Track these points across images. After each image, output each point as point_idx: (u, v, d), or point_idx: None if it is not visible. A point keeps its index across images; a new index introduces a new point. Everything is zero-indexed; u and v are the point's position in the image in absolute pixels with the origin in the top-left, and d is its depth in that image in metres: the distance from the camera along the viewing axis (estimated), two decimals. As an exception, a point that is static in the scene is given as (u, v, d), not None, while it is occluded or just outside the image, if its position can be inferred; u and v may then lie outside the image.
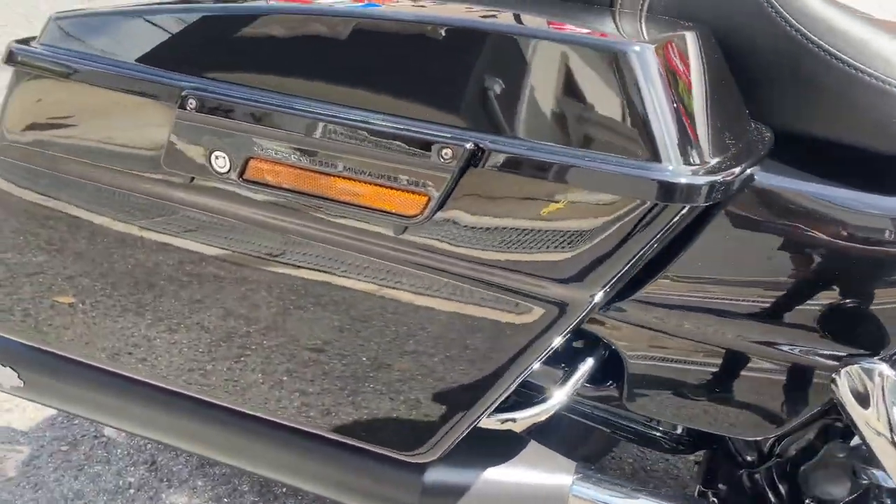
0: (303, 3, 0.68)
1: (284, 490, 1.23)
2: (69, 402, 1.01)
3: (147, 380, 0.87)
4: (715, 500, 0.93)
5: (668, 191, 0.55)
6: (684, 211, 0.57)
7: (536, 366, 0.70)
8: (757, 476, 0.89)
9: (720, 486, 0.93)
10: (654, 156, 0.55)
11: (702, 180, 0.55)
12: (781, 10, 0.68)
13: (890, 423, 0.70)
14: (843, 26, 0.68)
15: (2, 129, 0.76)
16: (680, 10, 0.74)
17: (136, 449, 1.30)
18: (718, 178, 0.56)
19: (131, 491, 1.22)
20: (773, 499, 0.87)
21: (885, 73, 0.68)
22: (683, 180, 0.54)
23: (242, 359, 0.76)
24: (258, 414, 0.82)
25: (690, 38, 0.64)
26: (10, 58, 0.71)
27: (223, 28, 0.67)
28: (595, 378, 0.85)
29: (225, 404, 0.83)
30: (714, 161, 0.58)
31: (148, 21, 0.69)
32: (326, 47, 0.63)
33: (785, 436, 0.87)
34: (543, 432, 0.90)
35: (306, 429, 0.78)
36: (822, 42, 0.67)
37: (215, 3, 0.71)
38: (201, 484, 1.24)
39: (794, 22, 0.68)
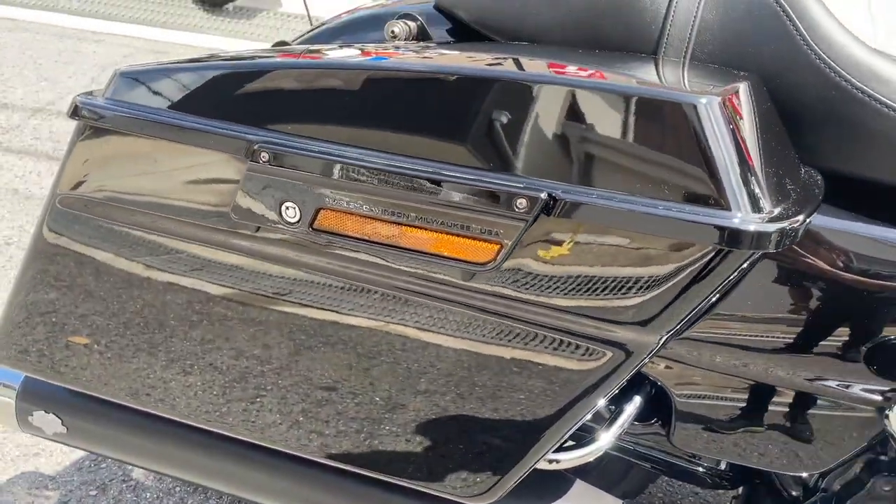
0: (371, 56, 0.70)
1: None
2: (112, 447, 1.01)
3: (196, 424, 0.87)
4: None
5: (739, 238, 0.56)
6: (754, 257, 0.59)
7: (598, 407, 0.72)
8: (802, 511, 0.90)
9: (764, 521, 0.94)
10: (725, 204, 0.57)
11: (772, 227, 0.57)
12: (828, 59, 0.71)
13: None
14: (888, 74, 0.71)
15: (63, 180, 0.77)
16: (723, 57, 0.76)
17: (165, 492, 1.29)
18: (786, 224, 0.58)
19: (164, 535, 1.21)
20: None
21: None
22: (753, 227, 0.56)
23: (307, 402, 0.76)
24: (310, 456, 0.82)
25: (744, 88, 0.67)
26: (76, 112, 0.73)
27: (292, 82, 0.69)
28: (642, 415, 0.87)
29: (280, 447, 0.83)
30: (779, 209, 0.60)
31: (214, 74, 0.71)
32: (398, 102, 0.65)
33: (830, 470, 0.88)
34: (587, 468, 0.90)
35: (366, 472, 0.78)
36: (869, 90, 0.70)
37: (282, 58, 0.73)
38: (234, 527, 1.23)
39: (841, 71, 0.70)
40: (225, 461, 0.93)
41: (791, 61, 0.73)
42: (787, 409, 0.81)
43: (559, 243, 0.61)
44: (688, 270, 0.59)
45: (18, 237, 1.93)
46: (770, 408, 0.81)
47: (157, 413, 0.88)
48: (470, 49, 0.80)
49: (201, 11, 3.60)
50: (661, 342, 0.65)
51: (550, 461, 0.81)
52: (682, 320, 0.63)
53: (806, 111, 0.73)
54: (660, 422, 0.89)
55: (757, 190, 0.58)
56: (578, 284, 0.62)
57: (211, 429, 0.85)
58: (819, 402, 0.80)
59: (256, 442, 0.83)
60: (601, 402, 0.69)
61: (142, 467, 1.14)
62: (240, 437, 0.84)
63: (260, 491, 0.91)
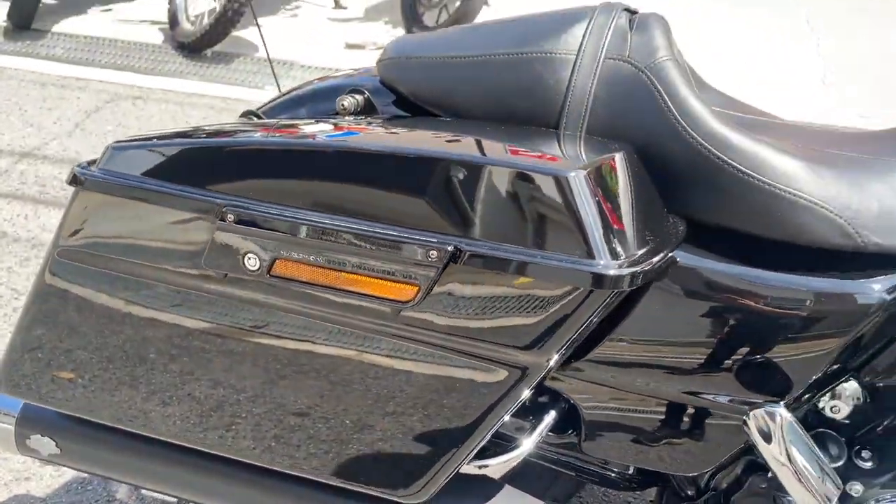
0: (315, 136, 0.86)
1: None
2: (100, 466, 1.15)
3: (174, 441, 1.02)
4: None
5: (600, 280, 0.73)
6: (617, 294, 0.76)
7: (507, 418, 0.87)
8: (697, 508, 1.06)
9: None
10: (589, 253, 0.73)
11: (625, 271, 0.73)
12: (692, 132, 0.88)
13: (789, 457, 0.88)
14: (738, 143, 0.88)
15: (62, 235, 0.92)
16: (612, 130, 0.93)
17: (146, 511, 1.42)
18: (638, 268, 0.74)
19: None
20: None
21: (771, 178, 0.87)
22: (611, 272, 0.73)
23: (263, 418, 0.91)
24: (273, 467, 0.97)
25: (619, 158, 0.84)
26: (75, 180, 0.88)
27: (251, 156, 0.85)
28: (558, 427, 1.02)
29: (241, 459, 0.98)
30: (638, 253, 0.77)
31: (191, 149, 0.87)
32: (337, 173, 0.81)
33: (718, 471, 1.04)
34: (518, 477, 1.06)
35: (315, 478, 0.93)
36: (724, 157, 0.87)
37: (238, 136, 0.89)
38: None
39: (703, 142, 0.87)
40: (201, 474, 1.08)
41: (664, 133, 0.90)
42: (673, 418, 0.97)
43: (465, 284, 0.78)
44: (563, 304, 0.76)
45: (7, 278, 2.06)
46: (659, 417, 0.97)
47: (140, 433, 1.03)
48: (398, 126, 0.97)
49: (181, 57, 3.77)
50: (552, 363, 0.81)
51: (480, 466, 0.96)
52: (564, 345, 0.79)
53: (678, 173, 0.90)
54: (574, 432, 1.04)
55: (615, 242, 0.75)
56: (482, 316, 0.79)
57: (184, 444, 1.00)
58: (699, 412, 0.96)
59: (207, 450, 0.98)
60: (508, 415, 0.85)
61: (127, 483, 1.28)
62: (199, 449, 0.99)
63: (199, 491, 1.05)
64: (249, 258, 0.82)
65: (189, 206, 0.84)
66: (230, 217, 0.81)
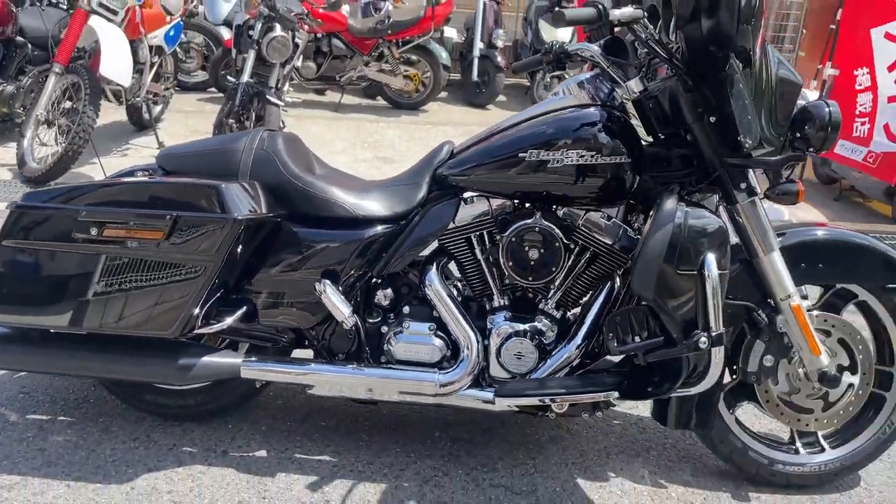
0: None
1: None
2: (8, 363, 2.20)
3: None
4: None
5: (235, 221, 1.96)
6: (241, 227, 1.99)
7: (203, 296, 2.05)
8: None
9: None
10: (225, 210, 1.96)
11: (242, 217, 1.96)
12: (296, 182, 2.15)
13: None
14: (313, 180, 2.17)
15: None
16: (258, 179, 2.19)
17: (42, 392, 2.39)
18: (245, 217, 1.98)
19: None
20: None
21: (326, 195, 2.15)
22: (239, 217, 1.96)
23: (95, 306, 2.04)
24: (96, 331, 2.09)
25: (249, 184, 2.09)
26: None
27: (108, 191, 2.03)
28: (246, 315, 2.20)
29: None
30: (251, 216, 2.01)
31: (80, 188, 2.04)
32: (139, 194, 2.02)
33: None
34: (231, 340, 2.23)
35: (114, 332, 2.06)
36: (313, 192, 2.15)
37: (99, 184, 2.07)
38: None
39: (303, 188, 2.15)
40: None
41: (279, 178, 2.17)
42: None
43: (190, 233, 1.98)
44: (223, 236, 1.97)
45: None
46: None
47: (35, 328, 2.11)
48: (156, 178, 2.19)
49: (28, 188, 4.77)
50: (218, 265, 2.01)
51: (208, 328, 2.11)
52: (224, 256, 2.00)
53: (287, 195, 2.16)
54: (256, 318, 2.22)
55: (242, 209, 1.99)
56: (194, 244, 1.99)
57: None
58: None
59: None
60: (197, 296, 2.03)
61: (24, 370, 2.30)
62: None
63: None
64: (91, 228, 1.97)
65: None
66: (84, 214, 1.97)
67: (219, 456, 2.29)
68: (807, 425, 2.22)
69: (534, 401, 2.09)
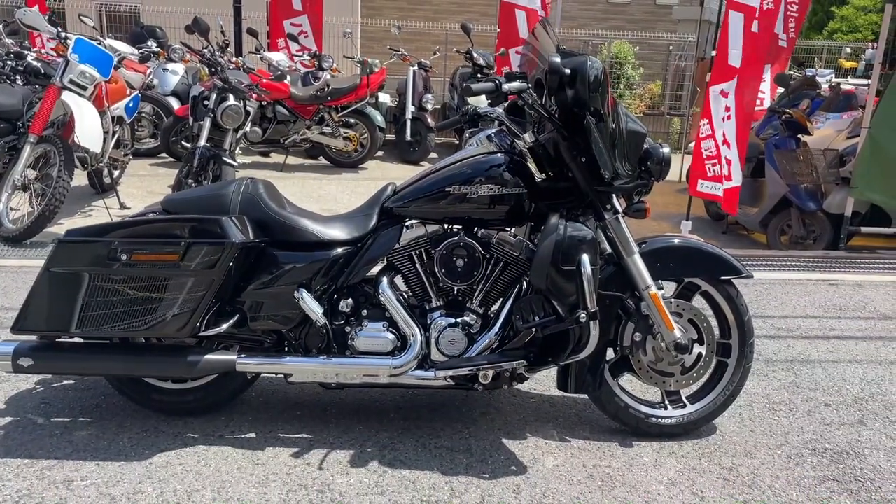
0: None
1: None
2: (57, 368, 2.75)
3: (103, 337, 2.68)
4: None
5: (235, 245, 2.59)
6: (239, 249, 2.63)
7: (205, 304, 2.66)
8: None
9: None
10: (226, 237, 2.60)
11: (238, 242, 2.60)
12: (274, 215, 2.81)
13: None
14: (286, 214, 2.83)
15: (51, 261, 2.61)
16: (246, 213, 2.84)
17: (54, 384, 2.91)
18: (241, 241, 2.62)
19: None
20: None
21: (297, 224, 2.81)
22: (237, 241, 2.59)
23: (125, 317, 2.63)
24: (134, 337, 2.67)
25: (247, 218, 2.74)
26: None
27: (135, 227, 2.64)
28: (241, 323, 2.82)
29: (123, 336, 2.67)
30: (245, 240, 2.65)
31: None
32: (156, 230, 2.64)
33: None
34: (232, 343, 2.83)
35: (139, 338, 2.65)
36: (282, 220, 2.81)
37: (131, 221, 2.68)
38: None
39: (281, 220, 2.80)
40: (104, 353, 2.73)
41: (260, 213, 2.82)
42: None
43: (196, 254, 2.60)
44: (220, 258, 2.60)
45: None
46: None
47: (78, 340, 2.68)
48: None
49: (5, 248, 5.24)
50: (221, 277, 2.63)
51: (210, 330, 2.72)
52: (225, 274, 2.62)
53: (270, 225, 2.81)
54: (244, 327, 2.84)
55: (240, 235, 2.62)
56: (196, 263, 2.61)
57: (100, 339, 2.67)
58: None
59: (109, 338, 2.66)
60: (203, 305, 2.64)
61: (71, 373, 2.85)
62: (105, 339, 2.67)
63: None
64: (122, 255, 2.57)
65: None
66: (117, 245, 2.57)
67: (217, 438, 2.87)
68: (670, 386, 2.94)
69: (464, 371, 2.75)
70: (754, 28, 5.60)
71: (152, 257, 2.59)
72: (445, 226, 2.87)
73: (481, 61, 9.32)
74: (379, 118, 8.67)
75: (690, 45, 11.22)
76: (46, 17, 5.85)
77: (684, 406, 3.01)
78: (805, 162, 5.96)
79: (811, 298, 4.95)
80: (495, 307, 2.91)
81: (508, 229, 2.86)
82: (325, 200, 7.08)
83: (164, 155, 8.45)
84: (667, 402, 3.01)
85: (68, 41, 5.47)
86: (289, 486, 2.59)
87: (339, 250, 2.83)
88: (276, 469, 2.68)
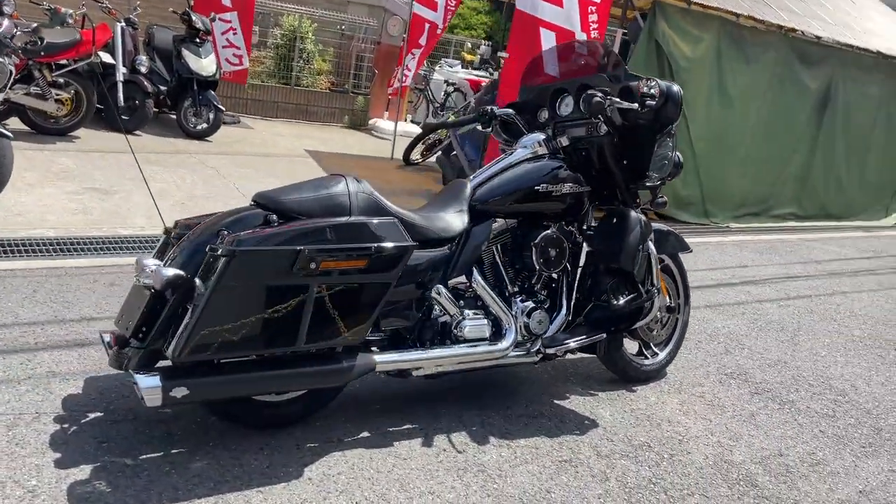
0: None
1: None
2: (215, 393, 2.38)
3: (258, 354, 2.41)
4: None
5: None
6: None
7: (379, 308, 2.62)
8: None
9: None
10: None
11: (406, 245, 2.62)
12: (388, 208, 2.81)
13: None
14: (411, 214, 2.86)
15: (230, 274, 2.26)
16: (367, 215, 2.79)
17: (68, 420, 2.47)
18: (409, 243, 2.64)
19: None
20: None
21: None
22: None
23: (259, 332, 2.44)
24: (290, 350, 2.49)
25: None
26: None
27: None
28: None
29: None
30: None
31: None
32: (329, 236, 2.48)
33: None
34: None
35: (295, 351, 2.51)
36: (410, 221, 2.84)
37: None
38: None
39: (399, 215, 2.82)
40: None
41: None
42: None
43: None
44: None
45: None
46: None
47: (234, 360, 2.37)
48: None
49: None
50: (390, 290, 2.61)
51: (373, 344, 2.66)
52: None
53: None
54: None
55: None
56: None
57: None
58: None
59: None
60: (378, 310, 2.60)
61: (227, 396, 2.48)
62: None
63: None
64: (313, 264, 2.38)
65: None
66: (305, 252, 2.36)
67: (338, 443, 2.80)
68: (653, 340, 3.79)
69: (571, 346, 3.21)
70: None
71: (342, 264, 2.45)
72: (519, 220, 3.23)
73: (199, 24, 8.78)
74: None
75: (368, 28, 12.00)
76: None
77: (656, 354, 3.89)
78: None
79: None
80: (548, 290, 3.38)
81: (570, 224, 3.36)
82: (77, 178, 6.12)
83: None
84: (646, 352, 3.86)
85: None
86: (449, 472, 2.74)
87: (446, 247, 2.99)
88: (423, 461, 2.78)
